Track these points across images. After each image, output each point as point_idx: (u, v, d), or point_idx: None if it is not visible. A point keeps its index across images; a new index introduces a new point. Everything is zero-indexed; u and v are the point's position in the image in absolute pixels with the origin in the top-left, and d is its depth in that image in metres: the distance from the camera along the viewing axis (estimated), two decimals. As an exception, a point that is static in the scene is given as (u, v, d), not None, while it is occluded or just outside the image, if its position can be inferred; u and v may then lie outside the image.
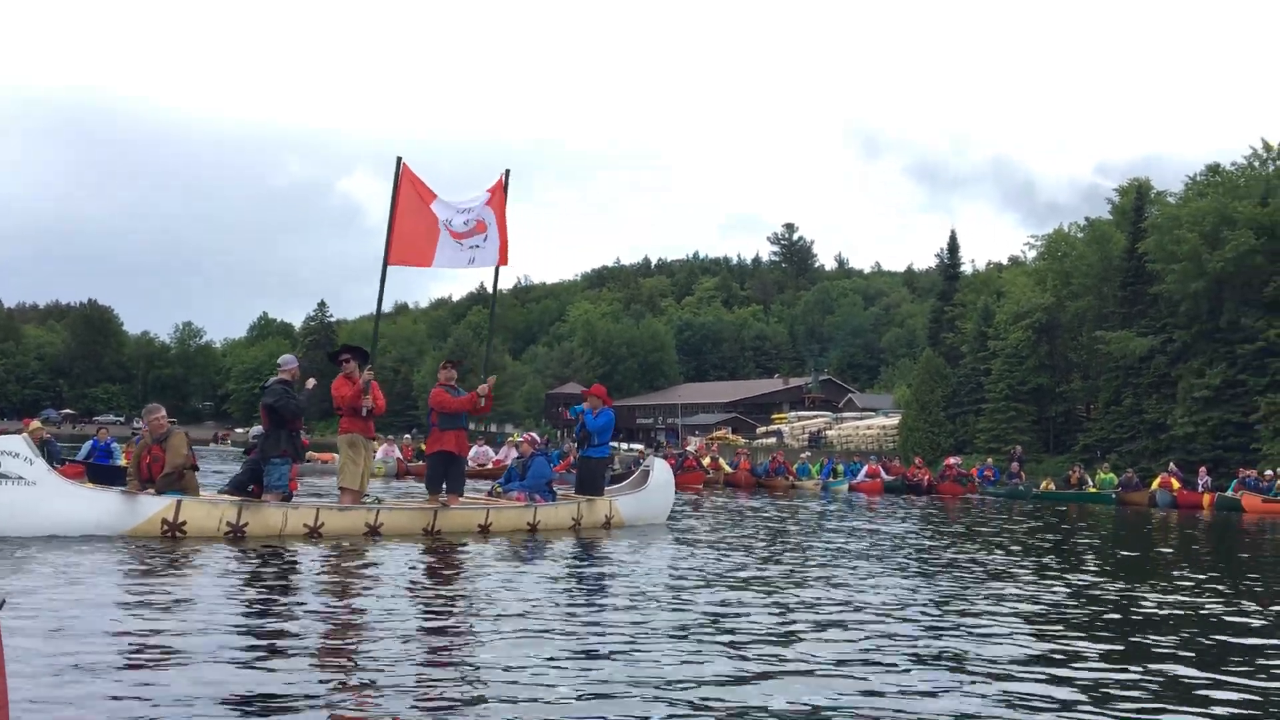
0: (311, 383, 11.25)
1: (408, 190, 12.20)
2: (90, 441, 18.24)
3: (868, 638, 6.21)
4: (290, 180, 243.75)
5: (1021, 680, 5.22)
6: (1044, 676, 5.35)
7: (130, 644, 5.11)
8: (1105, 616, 7.56)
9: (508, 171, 13.05)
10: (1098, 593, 8.90)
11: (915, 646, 5.99)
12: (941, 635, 6.41)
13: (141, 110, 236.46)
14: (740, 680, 4.94)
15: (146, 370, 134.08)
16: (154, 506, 9.66)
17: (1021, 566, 10.77)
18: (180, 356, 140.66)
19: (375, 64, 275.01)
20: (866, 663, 5.48)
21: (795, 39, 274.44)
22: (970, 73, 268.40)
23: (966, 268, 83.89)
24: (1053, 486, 32.26)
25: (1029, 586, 9.06)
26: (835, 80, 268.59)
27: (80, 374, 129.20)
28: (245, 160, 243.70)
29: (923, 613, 7.27)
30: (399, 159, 12.23)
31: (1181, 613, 7.89)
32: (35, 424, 16.24)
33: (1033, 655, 5.92)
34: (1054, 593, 8.70)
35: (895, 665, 5.46)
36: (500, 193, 12.79)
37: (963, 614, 7.28)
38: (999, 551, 12.44)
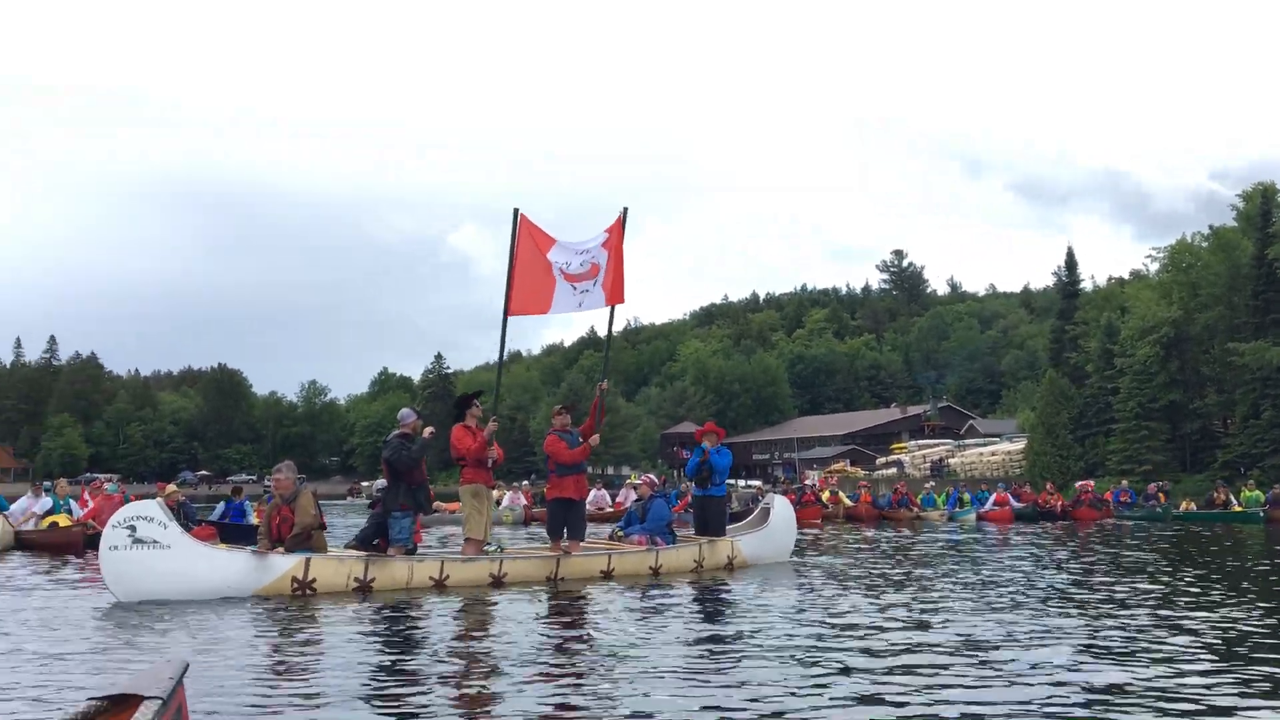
0: (429, 432, 11.38)
1: (525, 240, 12.30)
2: (224, 502, 18.84)
3: (1041, 684, 5.89)
4: (400, 236, 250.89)
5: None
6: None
7: (268, 705, 5.16)
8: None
9: (625, 210, 12.96)
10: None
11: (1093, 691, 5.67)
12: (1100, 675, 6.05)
13: (255, 176, 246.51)
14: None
15: (275, 429, 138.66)
16: (284, 565, 9.87)
17: (1184, 594, 10.18)
18: (306, 414, 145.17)
19: (476, 121, 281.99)
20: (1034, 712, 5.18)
21: (889, 65, 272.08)
22: (1070, 84, 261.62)
23: (1085, 284, 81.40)
24: (1194, 507, 30.73)
25: (1201, 616, 8.54)
26: (931, 101, 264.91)
27: (213, 436, 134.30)
28: (356, 218, 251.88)
29: (1088, 649, 6.90)
30: (516, 210, 12.34)
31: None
32: (171, 488, 16.86)
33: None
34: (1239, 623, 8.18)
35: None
36: (618, 231, 12.75)
37: (1122, 650, 6.88)
38: (1151, 578, 11.80)
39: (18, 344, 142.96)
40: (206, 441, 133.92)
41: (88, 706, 2.36)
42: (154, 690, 2.40)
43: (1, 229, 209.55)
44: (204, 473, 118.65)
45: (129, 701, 2.36)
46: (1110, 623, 8.11)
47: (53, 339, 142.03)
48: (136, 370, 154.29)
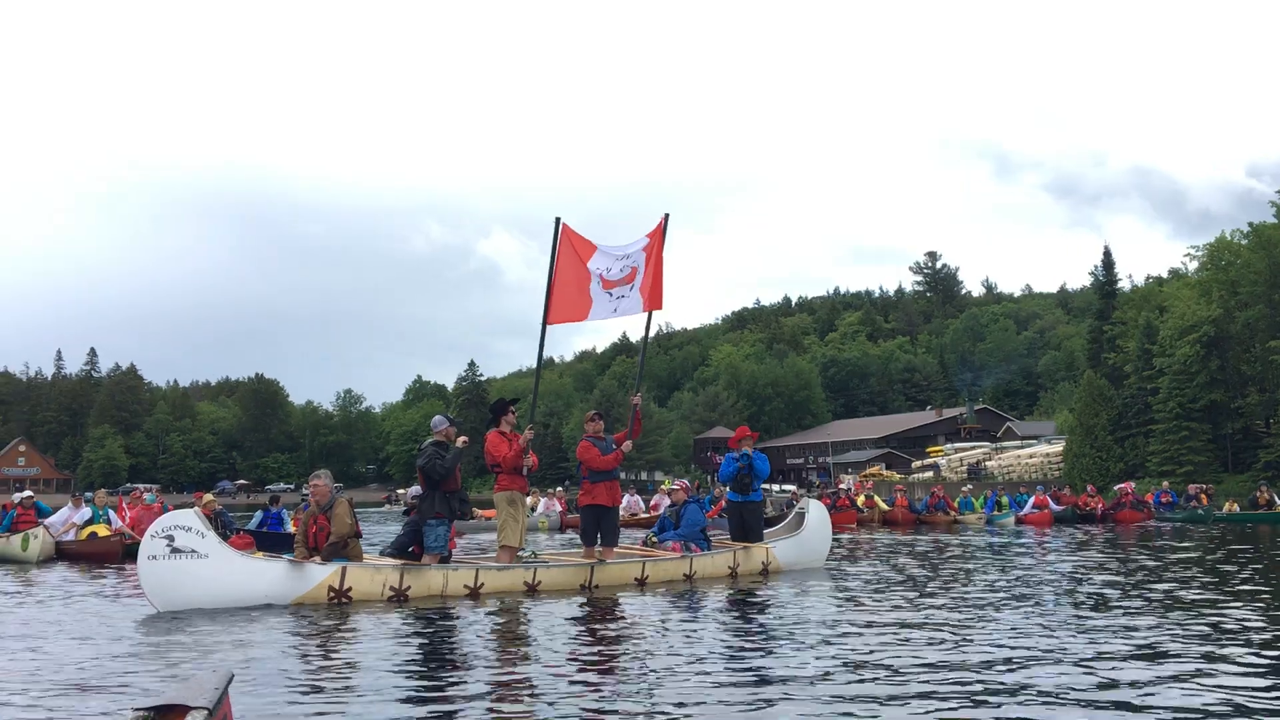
0: (463, 440, 11.37)
1: (566, 249, 12.29)
2: (262, 511, 18.99)
3: (1086, 690, 5.79)
4: (431, 245, 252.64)
5: None
6: None
7: (311, 716, 5.17)
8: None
9: (667, 216, 12.87)
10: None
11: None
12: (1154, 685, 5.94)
13: (286, 187, 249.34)
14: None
15: (313, 438, 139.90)
16: (320, 574, 9.91)
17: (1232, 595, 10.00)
18: (343, 423, 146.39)
19: (504, 128, 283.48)
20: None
21: (918, 63, 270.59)
22: (1101, 82, 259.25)
23: (1123, 284, 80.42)
24: (1237, 508, 30.22)
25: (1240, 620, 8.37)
26: (961, 101, 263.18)
27: (251, 446, 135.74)
28: (388, 228, 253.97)
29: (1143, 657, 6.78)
30: (558, 219, 12.34)
31: None
32: (208, 497, 16.99)
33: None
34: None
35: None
36: (659, 237, 12.68)
37: (1171, 652, 6.76)
38: (1207, 584, 11.61)
39: (59, 357, 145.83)
40: (245, 451, 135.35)
41: (135, 717, 2.36)
42: (200, 701, 2.40)
43: (42, 244, 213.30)
44: (242, 482, 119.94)
45: (175, 712, 2.36)
46: (1166, 635, 7.96)
47: (93, 351, 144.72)
48: (175, 381, 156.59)
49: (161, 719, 2.36)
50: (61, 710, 5.38)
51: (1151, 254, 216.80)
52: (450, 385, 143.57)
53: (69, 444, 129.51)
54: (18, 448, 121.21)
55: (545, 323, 12.23)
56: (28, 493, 18.87)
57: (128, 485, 69.98)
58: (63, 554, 17.01)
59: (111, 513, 18.33)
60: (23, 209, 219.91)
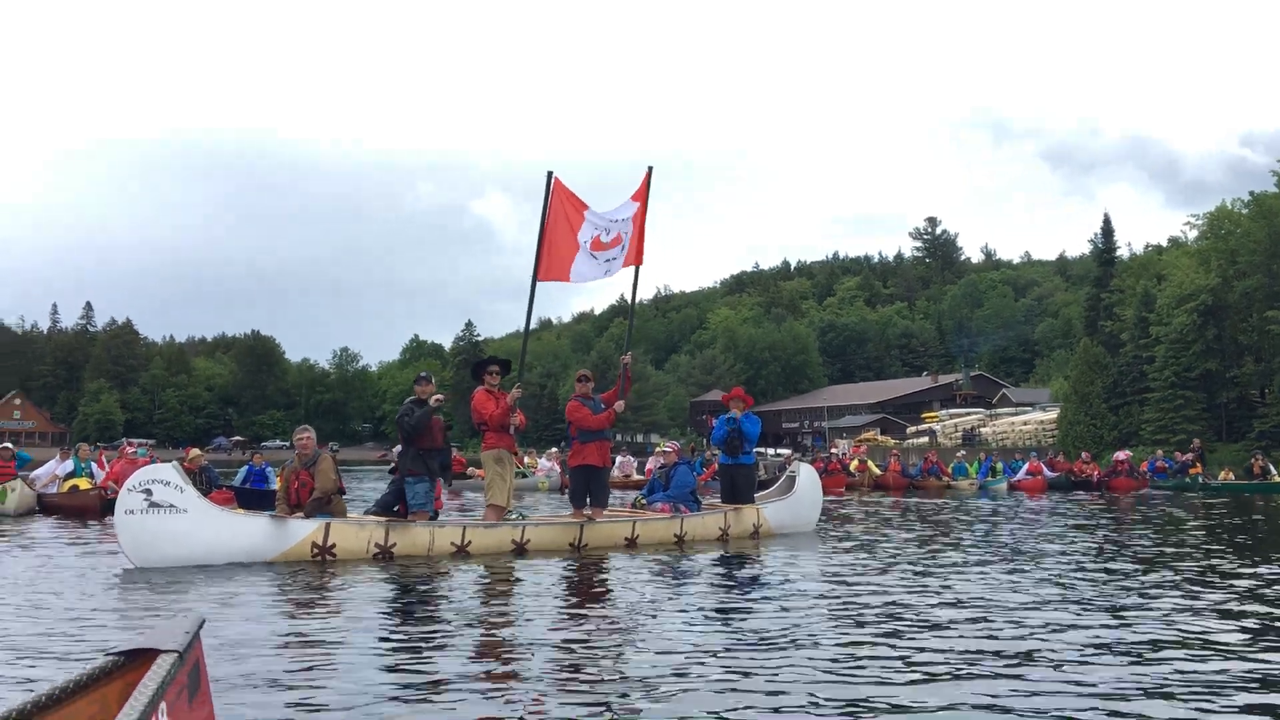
0: (436, 399, 11.06)
1: (557, 204, 12.11)
2: (246, 467, 18.86)
3: (1065, 662, 5.68)
4: (424, 204, 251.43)
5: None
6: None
7: (288, 664, 5.06)
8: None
9: (650, 169, 12.77)
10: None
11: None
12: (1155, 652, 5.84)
13: (282, 144, 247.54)
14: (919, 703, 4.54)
15: (308, 396, 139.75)
16: (303, 530, 9.77)
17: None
18: (339, 381, 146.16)
19: (498, 88, 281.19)
20: (1058, 680, 4.98)
21: (916, 31, 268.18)
22: (1095, 51, 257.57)
23: (1122, 252, 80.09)
24: (1232, 477, 30.20)
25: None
26: (957, 68, 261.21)
27: (248, 402, 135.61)
28: (381, 187, 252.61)
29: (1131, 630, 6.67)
30: (550, 173, 12.12)
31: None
32: (195, 452, 16.87)
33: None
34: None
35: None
36: (644, 191, 12.57)
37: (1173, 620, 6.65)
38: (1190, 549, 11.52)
39: (54, 310, 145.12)
40: (241, 407, 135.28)
41: (105, 662, 2.29)
42: (170, 644, 2.33)
43: (38, 198, 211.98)
44: (238, 438, 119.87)
45: (145, 656, 2.30)
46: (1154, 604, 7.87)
47: (89, 305, 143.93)
48: (171, 337, 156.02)
49: (132, 663, 2.30)
50: (32, 657, 5.28)
51: (1147, 222, 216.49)
52: (448, 345, 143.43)
53: (64, 398, 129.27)
54: (13, 401, 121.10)
55: (535, 279, 12.06)
56: (7, 444, 18.72)
57: (124, 440, 69.93)
58: (44, 507, 16.96)
59: (94, 466, 18.22)
60: (17, 162, 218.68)
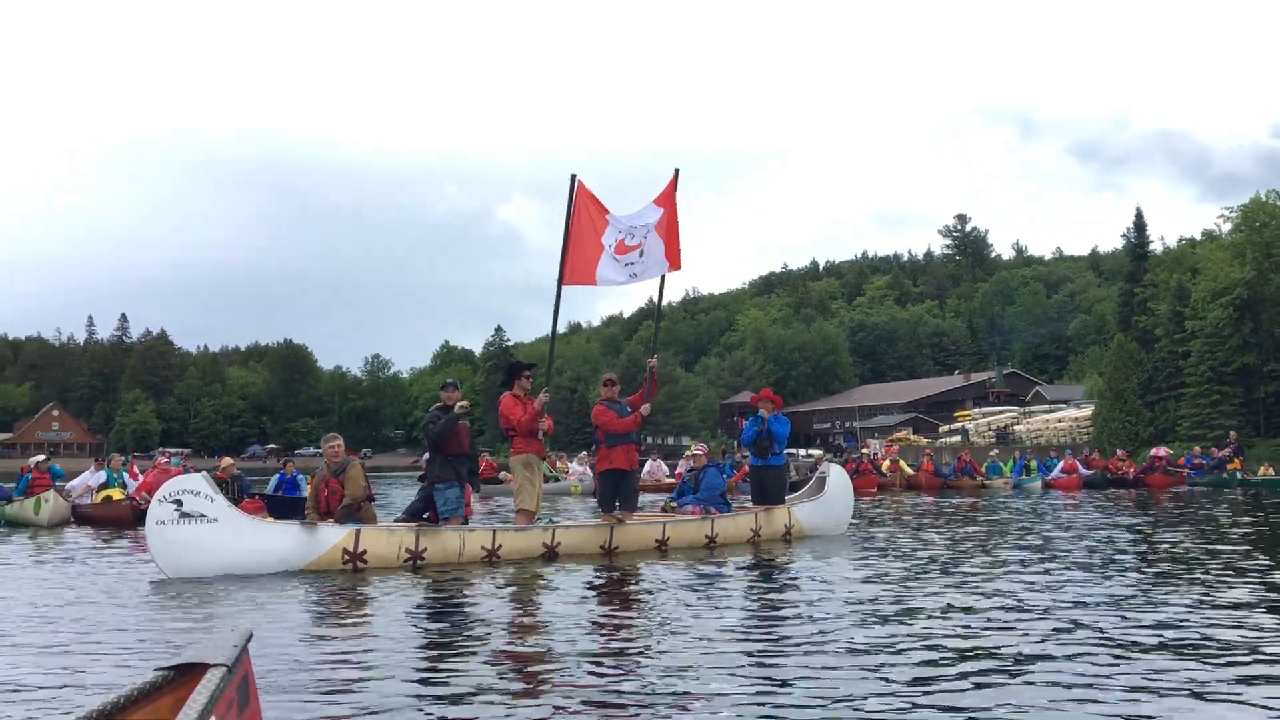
0: (462, 405, 11.11)
1: (581, 207, 12.08)
2: (277, 475, 18.97)
3: (1102, 663, 5.59)
4: (451, 209, 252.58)
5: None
6: None
7: (331, 675, 5.06)
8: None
9: (677, 171, 12.71)
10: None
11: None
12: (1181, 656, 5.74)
13: (310, 152, 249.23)
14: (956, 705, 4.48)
15: (341, 403, 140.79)
16: (334, 537, 9.79)
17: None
18: (371, 388, 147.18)
19: (524, 91, 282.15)
20: (1094, 685, 4.90)
21: (944, 28, 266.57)
22: (1122, 45, 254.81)
23: (1155, 246, 79.09)
24: (1272, 472, 29.74)
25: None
26: (982, 64, 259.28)
27: (281, 410, 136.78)
28: (408, 193, 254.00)
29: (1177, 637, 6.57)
30: (573, 176, 12.08)
31: None
32: (227, 461, 16.98)
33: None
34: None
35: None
36: (670, 194, 12.51)
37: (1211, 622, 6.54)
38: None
39: (90, 322, 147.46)
40: (274, 415, 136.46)
41: (155, 676, 2.32)
42: (219, 658, 2.36)
43: (72, 210, 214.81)
44: (273, 446, 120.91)
45: (195, 670, 2.33)
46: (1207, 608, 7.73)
47: (124, 317, 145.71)
48: (205, 346, 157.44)
49: (181, 678, 2.34)
50: (73, 673, 5.28)
51: (1180, 216, 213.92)
52: (478, 350, 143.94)
53: (101, 409, 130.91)
54: (51, 413, 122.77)
55: (560, 283, 12.04)
56: (42, 456, 18.97)
57: (160, 449, 70.75)
58: (78, 517, 17.12)
59: (126, 476, 18.38)
60: (55, 177, 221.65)
